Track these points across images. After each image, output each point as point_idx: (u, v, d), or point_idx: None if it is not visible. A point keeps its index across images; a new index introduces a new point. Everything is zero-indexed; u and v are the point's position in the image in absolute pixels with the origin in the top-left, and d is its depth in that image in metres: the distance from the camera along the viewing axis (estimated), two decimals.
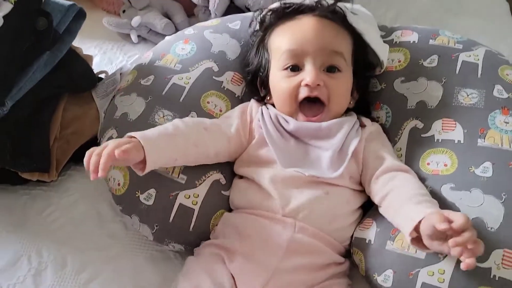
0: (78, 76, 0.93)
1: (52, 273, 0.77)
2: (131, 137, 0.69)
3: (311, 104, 0.79)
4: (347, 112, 0.84)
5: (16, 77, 0.76)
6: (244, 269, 0.70)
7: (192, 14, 1.29)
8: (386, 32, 0.96)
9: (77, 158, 0.91)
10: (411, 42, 0.91)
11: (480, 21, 1.23)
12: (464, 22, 1.21)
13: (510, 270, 0.65)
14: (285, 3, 0.87)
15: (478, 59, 0.85)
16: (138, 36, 1.24)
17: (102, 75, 1.04)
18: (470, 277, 0.65)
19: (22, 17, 0.76)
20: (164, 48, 0.95)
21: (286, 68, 0.80)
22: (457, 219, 0.58)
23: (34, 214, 0.86)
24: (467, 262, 0.57)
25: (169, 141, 0.72)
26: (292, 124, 0.79)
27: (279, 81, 0.81)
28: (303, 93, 0.78)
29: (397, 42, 0.92)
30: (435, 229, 0.59)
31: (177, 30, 1.20)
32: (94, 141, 0.93)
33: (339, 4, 0.86)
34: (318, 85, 0.77)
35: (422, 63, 0.87)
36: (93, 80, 0.97)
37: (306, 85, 0.77)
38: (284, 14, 0.85)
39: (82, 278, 0.77)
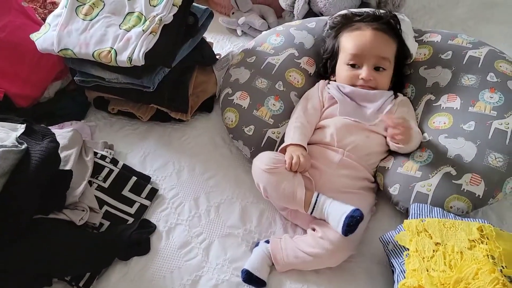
0: (206, 55, 1.40)
1: (187, 172, 1.24)
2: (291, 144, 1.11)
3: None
4: None
5: (176, 50, 1.25)
6: (311, 171, 1.10)
7: (280, 16, 1.71)
8: (419, 34, 1.32)
9: (202, 108, 1.39)
10: (435, 41, 1.27)
11: (506, 28, 1.50)
12: (492, 29, 1.49)
13: (474, 186, 1.01)
14: (352, 12, 1.28)
15: (481, 54, 1.19)
16: (242, 31, 1.69)
17: (217, 56, 1.52)
18: (447, 188, 1.02)
19: (181, 16, 1.24)
20: (263, 39, 1.40)
21: (349, 65, 1.21)
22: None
23: (175, 139, 1.33)
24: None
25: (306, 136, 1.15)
26: (347, 88, 1.20)
27: (343, 71, 1.23)
28: (360, 83, 1.20)
29: (425, 41, 1.28)
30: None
31: (269, 27, 1.62)
32: (212, 97, 1.41)
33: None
34: (370, 79, 1.18)
35: (440, 56, 1.23)
36: (214, 58, 1.45)
37: (362, 78, 1.19)
38: (352, 20, 1.25)
39: (205, 177, 1.23)
